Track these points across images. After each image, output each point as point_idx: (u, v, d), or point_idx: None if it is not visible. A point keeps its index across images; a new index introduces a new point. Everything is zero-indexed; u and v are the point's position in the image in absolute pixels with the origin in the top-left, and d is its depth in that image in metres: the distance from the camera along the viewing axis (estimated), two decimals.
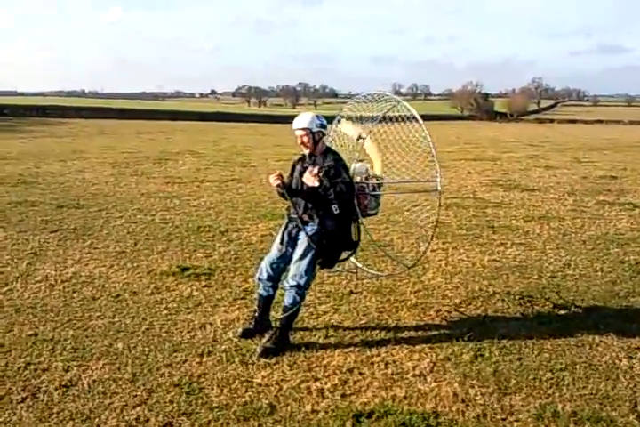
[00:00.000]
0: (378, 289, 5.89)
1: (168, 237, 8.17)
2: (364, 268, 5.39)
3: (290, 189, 4.63)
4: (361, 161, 5.12)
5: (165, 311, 5.27)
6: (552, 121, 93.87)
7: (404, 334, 4.79)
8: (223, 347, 4.51)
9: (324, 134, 4.67)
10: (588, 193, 12.47)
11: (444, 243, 7.86)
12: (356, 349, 4.49)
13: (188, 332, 4.82)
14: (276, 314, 4.87)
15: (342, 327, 4.93)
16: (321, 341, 4.66)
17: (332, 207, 4.50)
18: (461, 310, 5.37)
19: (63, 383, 3.88)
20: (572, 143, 31.59)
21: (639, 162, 19.77)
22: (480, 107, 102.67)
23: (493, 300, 5.63)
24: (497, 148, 27.44)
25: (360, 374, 4.09)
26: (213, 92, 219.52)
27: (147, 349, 4.47)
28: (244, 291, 5.85)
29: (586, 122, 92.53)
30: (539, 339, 4.67)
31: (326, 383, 3.92)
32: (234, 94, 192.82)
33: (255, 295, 5.50)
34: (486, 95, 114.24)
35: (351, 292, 5.83)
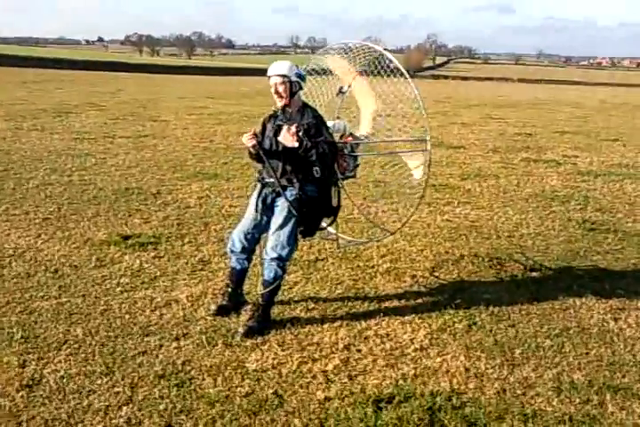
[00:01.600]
0: (343, 255, 5.59)
1: (94, 200, 7.40)
2: (344, 236, 5.06)
3: (265, 151, 4.09)
4: (338, 118, 4.70)
5: (119, 288, 4.69)
6: (446, 77, 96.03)
7: (388, 304, 4.54)
8: (198, 327, 4.05)
9: (301, 87, 4.14)
10: (510, 150, 12.72)
11: (392, 203, 7.65)
12: (344, 322, 4.19)
13: (152, 311, 4.31)
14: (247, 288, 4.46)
15: (320, 299, 4.60)
16: (303, 315, 4.31)
17: (314, 170, 4.03)
18: (435, 274, 5.20)
19: (25, 383, 3.29)
20: (475, 100, 32.28)
21: (546, 119, 20.51)
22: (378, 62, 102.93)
23: (463, 263, 5.51)
24: (405, 103, 27.53)
25: (358, 351, 3.80)
26: (101, 40, 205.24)
27: (111, 334, 3.93)
28: (201, 261, 5.35)
29: (478, 79, 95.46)
30: (523, 303, 4.59)
31: (327, 365, 3.60)
32: (123, 43, 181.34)
33: (215, 266, 5.08)
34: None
35: (317, 259, 5.50)
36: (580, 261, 5.63)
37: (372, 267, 5.32)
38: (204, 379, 3.41)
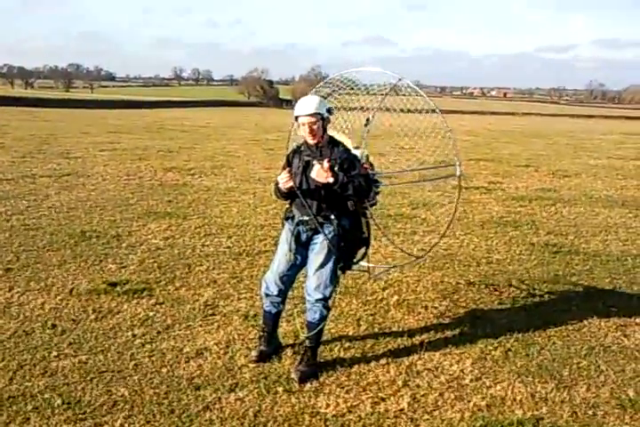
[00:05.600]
0: (346, 290, 5.59)
1: (51, 246, 6.89)
2: (373, 265, 5.11)
3: (299, 190, 3.96)
4: (357, 148, 4.76)
5: (138, 340, 4.41)
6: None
7: (418, 337, 4.60)
8: (247, 376, 3.90)
9: (329, 121, 4.08)
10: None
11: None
12: (387, 359, 4.20)
13: (187, 362, 4.09)
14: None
15: (350, 337, 4.59)
16: (343, 355, 4.28)
17: (348, 204, 3.98)
18: (444, 303, 5.34)
19: None
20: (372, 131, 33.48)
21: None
22: (266, 93, 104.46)
23: (462, 291, 5.70)
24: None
25: (418, 387, 3.83)
26: None
27: (159, 390, 3.68)
28: (207, 305, 5.15)
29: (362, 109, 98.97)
30: (539, 327, 4.82)
31: (399, 403, 3.59)
32: None
33: (223, 309, 4.92)
34: (271, 82, 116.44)
35: None
36: (562, 283, 6.01)
37: (381, 300, 5.37)
38: None
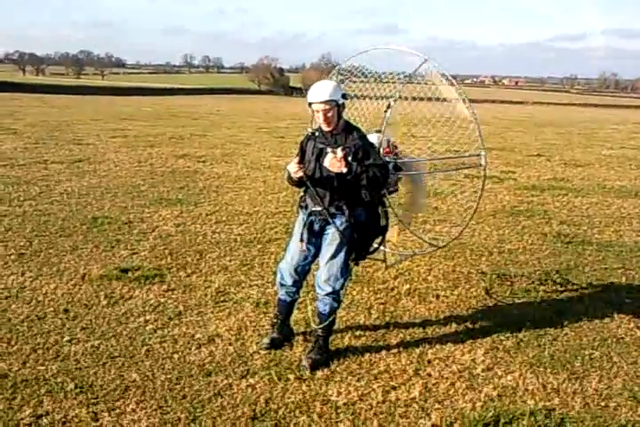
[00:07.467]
0: (357, 279, 5.58)
1: (63, 231, 6.92)
2: (390, 251, 5.07)
3: (310, 178, 3.87)
4: (378, 132, 4.67)
5: (149, 326, 4.43)
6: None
7: (429, 326, 4.58)
8: (258, 362, 3.91)
9: (344, 107, 3.93)
10: (449, 167, 13.22)
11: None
12: (399, 348, 4.19)
13: (198, 348, 4.10)
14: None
15: (362, 325, 4.58)
16: (354, 343, 4.27)
17: (362, 193, 3.83)
18: (456, 293, 5.32)
19: None
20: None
21: (465, 137, 21.46)
22: (277, 81, 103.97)
23: (473, 280, 5.67)
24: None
25: (429, 376, 3.82)
26: None
27: (170, 376, 3.70)
28: (218, 292, 5.16)
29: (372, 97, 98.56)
30: (551, 318, 4.80)
31: (410, 392, 3.59)
32: (3, 61, 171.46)
33: (235, 296, 4.93)
34: (281, 70, 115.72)
35: None
36: (575, 274, 5.96)
37: (392, 289, 5.36)
38: (296, 416, 3.30)
